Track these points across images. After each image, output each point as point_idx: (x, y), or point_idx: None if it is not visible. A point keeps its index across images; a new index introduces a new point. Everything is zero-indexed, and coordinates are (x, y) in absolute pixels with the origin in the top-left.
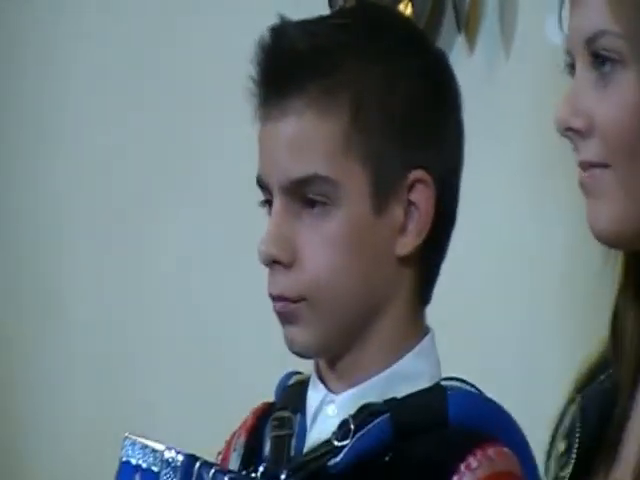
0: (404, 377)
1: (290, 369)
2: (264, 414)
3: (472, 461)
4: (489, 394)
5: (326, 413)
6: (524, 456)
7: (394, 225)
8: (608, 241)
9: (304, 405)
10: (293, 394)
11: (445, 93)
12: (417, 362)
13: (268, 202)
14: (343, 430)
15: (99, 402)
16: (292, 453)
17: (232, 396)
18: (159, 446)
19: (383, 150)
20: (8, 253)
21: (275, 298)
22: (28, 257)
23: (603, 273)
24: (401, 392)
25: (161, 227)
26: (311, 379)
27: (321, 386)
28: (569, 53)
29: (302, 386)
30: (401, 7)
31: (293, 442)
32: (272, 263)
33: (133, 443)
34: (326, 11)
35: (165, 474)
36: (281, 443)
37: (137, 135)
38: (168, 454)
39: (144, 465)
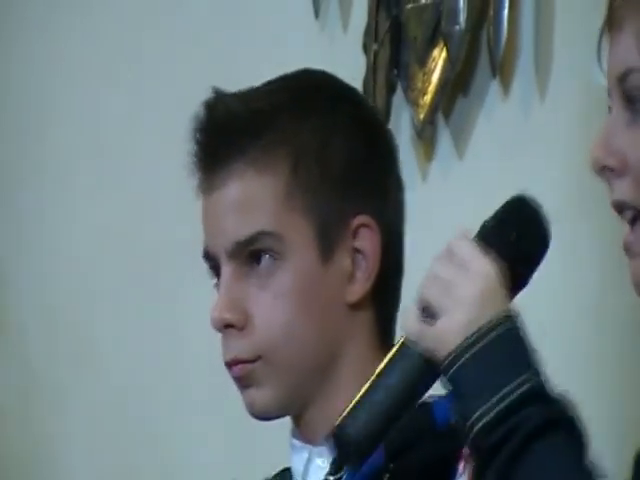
0: None
1: None
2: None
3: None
4: None
5: (316, 465)
6: None
7: (342, 273)
8: None
9: (291, 474)
10: (278, 477)
11: (380, 145)
12: None
13: (215, 272)
14: (335, 467)
15: (129, 450)
16: None
17: (266, 461)
18: None
19: (324, 201)
20: (44, 299)
21: (231, 363)
22: (63, 305)
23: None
24: None
25: (193, 284)
26: (290, 445)
27: (300, 444)
28: (608, 94)
29: (284, 472)
30: (436, 52)
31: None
32: (224, 328)
33: None
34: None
35: None
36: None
37: (167, 199)
38: None
39: None
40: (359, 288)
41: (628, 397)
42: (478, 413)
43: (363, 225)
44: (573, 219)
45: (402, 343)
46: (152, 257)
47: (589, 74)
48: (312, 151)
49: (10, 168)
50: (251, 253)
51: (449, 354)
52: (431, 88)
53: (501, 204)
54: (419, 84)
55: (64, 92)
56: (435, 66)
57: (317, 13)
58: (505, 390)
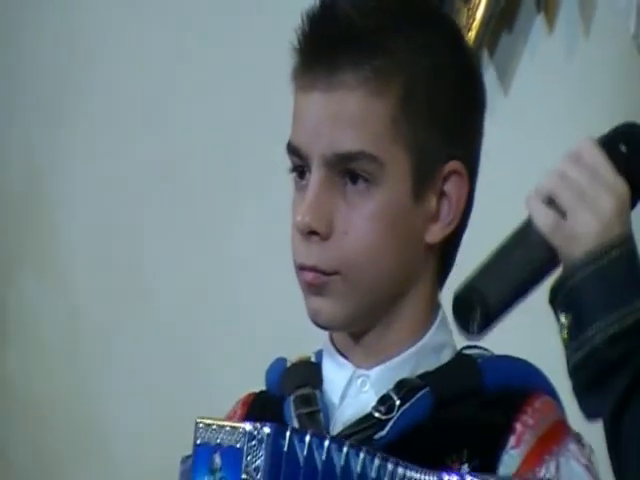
0: (431, 350)
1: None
2: (254, 403)
3: (526, 418)
4: None
5: (358, 389)
6: (558, 400)
7: (427, 213)
8: None
9: (321, 382)
10: (304, 373)
11: (479, 95)
12: (440, 335)
13: (299, 171)
14: (387, 405)
15: (177, 386)
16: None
17: None
18: (237, 424)
19: (426, 139)
20: (93, 236)
21: (307, 268)
22: (112, 240)
23: None
24: (430, 365)
25: (242, 222)
26: (326, 356)
27: (345, 362)
28: None
29: (310, 365)
30: None
31: (321, 418)
32: (308, 234)
33: (207, 425)
34: None
35: (250, 448)
36: (313, 419)
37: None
38: (250, 428)
39: (224, 443)
40: (439, 231)
41: None
42: (594, 326)
43: (455, 171)
44: None
45: (524, 228)
46: (201, 194)
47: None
48: (424, 86)
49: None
50: (348, 170)
51: (575, 262)
52: (475, 24)
53: (614, 127)
54: (464, 20)
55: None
56: (479, 2)
57: None
58: (630, 308)
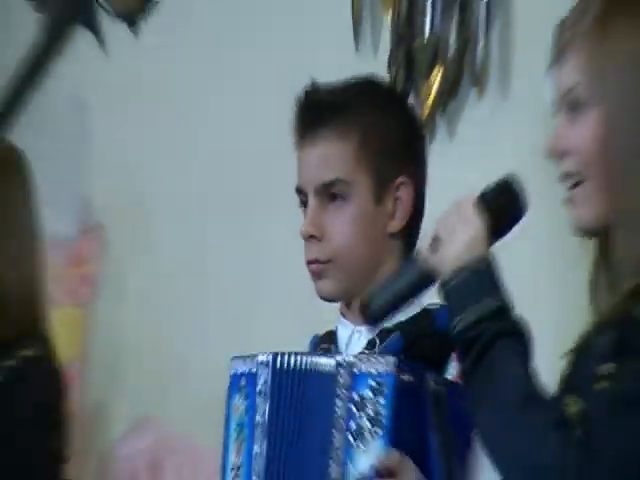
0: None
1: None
2: (314, 347)
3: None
4: None
5: (356, 339)
6: None
7: (387, 213)
8: (586, 229)
9: (336, 340)
10: (326, 337)
11: (416, 131)
12: None
13: (304, 203)
14: (371, 344)
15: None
16: None
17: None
18: (254, 355)
19: (380, 165)
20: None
21: (310, 262)
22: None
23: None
24: (403, 317)
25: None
26: (338, 322)
27: (347, 322)
28: (555, 105)
29: (330, 332)
30: (435, 71)
31: (349, 345)
32: (309, 238)
33: (238, 357)
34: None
35: (260, 372)
36: (327, 348)
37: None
38: (261, 357)
39: (246, 370)
40: (397, 224)
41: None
42: (459, 317)
43: (403, 182)
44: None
45: (415, 258)
46: (248, 194)
47: (540, 90)
48: (374, 130)
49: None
50: (330, 194)
51: (444, 276)
52: (432, 95)
53: (496, 180)
54: (424, 93)
55: None
56: (435, 80)
57: (357, 47)
58: (481, 304)
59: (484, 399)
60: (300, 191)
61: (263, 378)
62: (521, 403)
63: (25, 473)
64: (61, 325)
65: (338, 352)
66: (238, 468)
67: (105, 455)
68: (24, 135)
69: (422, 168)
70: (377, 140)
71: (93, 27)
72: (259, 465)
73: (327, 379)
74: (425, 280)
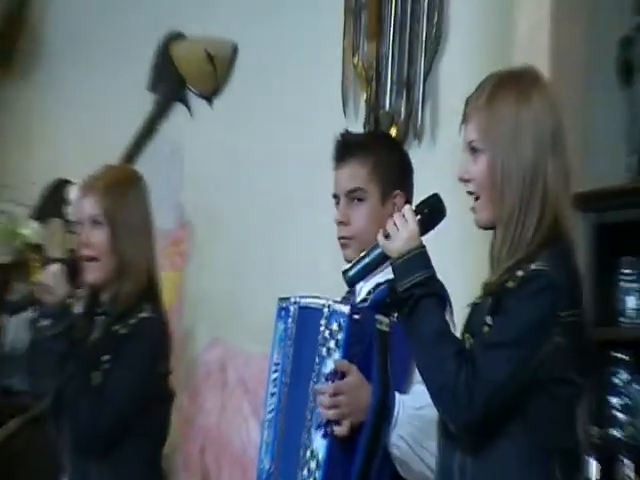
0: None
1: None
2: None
3: None
4: None
5: (362, 288)
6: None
7: (387, 212)
8: (481, 226)
9: (355, 288)
10: (349, 292)
11: (407, 160)
12: None
13: (337, 203)
14: (369, 292)
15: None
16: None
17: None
18: (287, 297)
19: (384, 182)
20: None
21: (340, 238)
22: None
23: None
24: (385, 277)
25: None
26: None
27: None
28: (464, 148)
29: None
30: (392, 130)
31: (355, 294)
32: (339, 224)
33: (281, 298)
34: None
35: (291, 307)
36: (348, 297)
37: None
38: (292, 299)
39: (284, 306)
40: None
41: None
42: (400, 284)
43: (398, 194)
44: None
45: (376, 245)
46: (297, 199)
47: (455, 141)
48: (381, 160)
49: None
50: (353, 197)
51: (393, 257)
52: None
53: (426, 195)
54: (394, 132)
55: None
56: (401, 126)
57: (345, 114)
58: (414, 276)
59: (413, 338)
60: (335, 196)
61: (293, 311)
62: (435, 341)
63: (147, 385)
64: (166, 282)
65: (334, 299)
66: (277, 364)
67: (192, 363)
68: (144, 165)
69: (410, 185)
70: (383, 166)
71: (185, 102)
72: (284, 359)
73: (318, 314)
74: (382, 259)
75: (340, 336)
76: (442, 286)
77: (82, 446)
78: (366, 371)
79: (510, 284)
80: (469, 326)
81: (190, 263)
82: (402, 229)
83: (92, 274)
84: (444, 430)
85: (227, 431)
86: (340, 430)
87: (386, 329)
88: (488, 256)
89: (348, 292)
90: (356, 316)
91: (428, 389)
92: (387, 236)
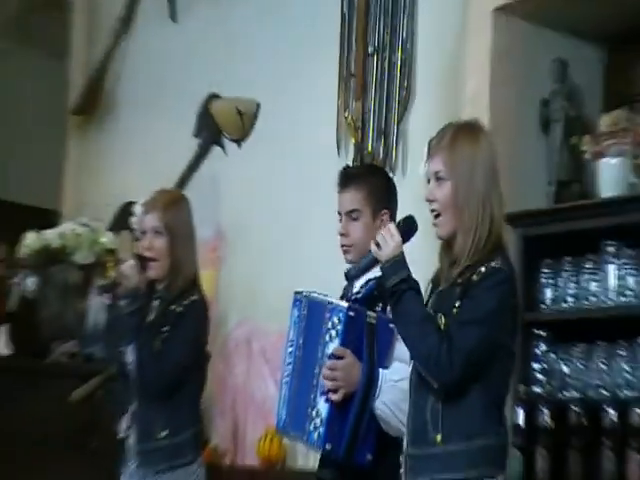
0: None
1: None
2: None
3: None
4: None
5: (357, 283)
6: None
7: (377, 227)
8: (443, 238)
9: (352, 282)
10: (348, 285)
11: (393, 185)
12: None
13: (340, 219)
14: (362, 286)
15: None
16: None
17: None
18: (300, 290)
19: (375, 204)
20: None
21: (342, 245)
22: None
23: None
24: (375, 274)
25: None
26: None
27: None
28: (428, 178)
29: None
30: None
31: (352, 288)
32: (341, 235)
33: (296, 292)
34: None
35: (304, 300)
36: (347, 289)
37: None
38: (305, 293)
39: (298, 297)
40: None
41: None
42: (388, 281)
43: (385, 213)
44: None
45: (370, 252)
46: (302, 209)
47: (420, 172)
48: (373, 188)
49: None
50: (351, 216)
51: (382, 262)
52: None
53: (402, 214)
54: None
55: None
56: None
57: (338, 154)
58: (399, 275)
59: (401, 321)
60: (339, 213)
61: (304, 303)
62: (419, 322)
63: (194, 349)
64: (206, 278)
65: (337, 299)
66: (292, 341)
67: (224, 338)
68: (190, 190)
69: (395, 202)
70: (374, 192)
71: (221, 144)
72: (297, 337)
73: (323, 308)
74: (375, 262)
75: (339, 327)
76: (417, 281)
77: (147, 392)
78: (358, 354)
79: (475, 277)
80: (440, 308)
81: (224, 264)
82: (389, 240)
83: (153, 271)
84: (417, 382)
85: (251, 389)
86: (335, 397)
87: (374, 322)
88: (438, 257)
89: (346, 285)
90: (351, 313)
91: (415, 359)
92: (378, 245)
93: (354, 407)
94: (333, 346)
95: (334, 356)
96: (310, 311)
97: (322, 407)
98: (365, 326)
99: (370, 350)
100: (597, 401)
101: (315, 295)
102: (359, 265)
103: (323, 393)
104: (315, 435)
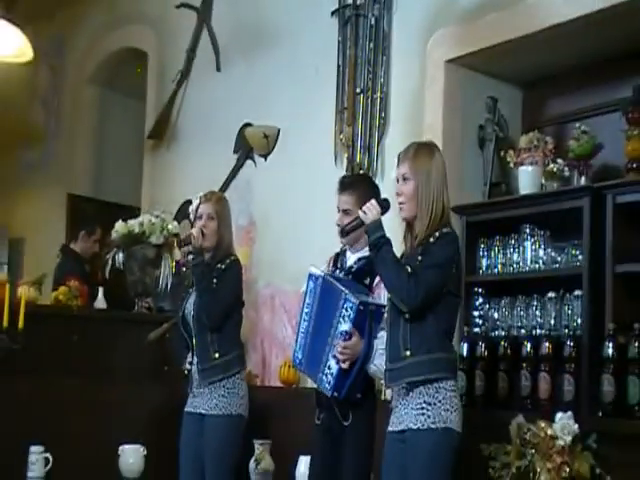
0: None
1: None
2: (336, 255)
3: None
4: None
5: (350, 257)
6: None
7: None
8: (406, 218)
9: (344, 256)
10: (340, 253)
11: (377, 190)
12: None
13: (338, 212)
14: (355, 262)
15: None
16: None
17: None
18: (318, 269)
19: (363, 204)
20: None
21: (339, 226)
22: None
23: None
24: (364, 254)
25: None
26: (347, 249)
27: (348, 250)
28: (397, 178)
29: (342, 252)
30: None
31: (345, 261)
32: (338, 225)
33: (312, 267)
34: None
35: (319, 276)
36: (338, 260)
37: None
38: (321, 270)
39: (313, 272)
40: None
41: None
42: (371, 238)
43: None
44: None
45: (358, 217)
46: (310, 199)
47: (391, 177)
48: (363, 193)
49: None
50: (345, 212)
51: (366, 226)
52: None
53: (383, 198)
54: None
55: None
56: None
57: (335, 164)
58: (378, 233)
59: (381, 265)
60: (338, 209)
61: (319, 278)
62: (393, 265)
63: (235, 293)
64: (242, 253)
65: (350, 289)
66: (308, 304)
67: (255, 295)
68: (231, 191)
69: (380, 196)
70: (364, 195)
71: (252, 158)
72: (312, 303)
73: (339, 294)
74: (360, 224)
75: (351, 314)
76: (389, 239)
77: (206, 326)
78: (362, 333)
79: (432, 239)
80: (408, 262)
81: (255, 243)
82: (372, 209)
83: (207, 241)
84: (393, 317)
85: (275, 331)
86: (344, 365)
87: (373, 309)
88: (403, 239)
89: (340, 251)
90: (361, 307)
91: (390, 291)
92: (364, 212)
93: (355, 369)
94: (345, 326)
95: (346, 333)
96: (324, 288)
97: (333, 365)
98: (368, 314)
99: (369, 330)
100: (518, 337)
101: (329, 277)
102: (350, 224)
103: (335, 357)
104: (326, 383)
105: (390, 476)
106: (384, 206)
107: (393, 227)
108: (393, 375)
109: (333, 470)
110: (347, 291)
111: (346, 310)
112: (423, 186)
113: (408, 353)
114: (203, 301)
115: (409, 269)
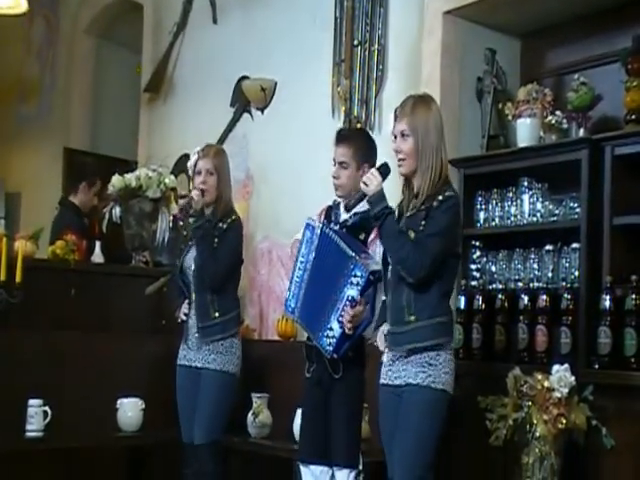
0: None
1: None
2: (327, 210)
3: None
4: None
5: (342, 210)
6: None
7: (359, 175)
8: (405, 174)
9: (338, 208)
10: (333, 205)
11: (374, 144)
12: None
13: (334, 165)
14: (351, 217)
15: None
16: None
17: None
18: (311, 218)
19: (360, 158)
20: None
21: (335, 185)
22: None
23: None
24: (364, 208)
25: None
26: (340, 200)
27: (341, 203)
28: (395, 135)
29: (336, 204)
30: (358, 125)
31: (339, 215)
32: (334, 178)
33: (309, 218)
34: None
35: (317, 226)
36: (331, 213)
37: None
38: (319, 223)
39: (311, 222)
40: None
41: None
42: (374, 209)
43: (367, 165)
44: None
45: (361, 190)
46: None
47: (389, 130)
48: (359, 145)
49: None
50: (341, 164)
51: (369, 196)
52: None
53: (381, 162)
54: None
55: None
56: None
57: (332, 116)
58: (382, 204)
59: (385, 236)
60: (334, 161)
61: (316, 229)
62: (397, 236)
63: (236, 253)
64: (240, 207)
65: (357, 252)
66: (303, 256)
67: (253, 249)
68: (228, 144)
69: (374, 156)
70: (360, 148)
71: (249, 112)
72: (307, 255)
73: (347, 259)
74: (363, 196)
75: (361, 281)
76: (393, 209)
77: (206, 285)
78: (367, 300)
79: (435, 203)
80: (410, 226)
81: (252, 197)
82: (374, 180)
83: (207, 197)
84: (395, 281)
85: (272, 284)
86: (348, 330)
87: (378, 277)
88: (401, 191)
89: (332, 204)
90: (371, 277)
91: (396, 262)
92: (365, 184)
93: (357, 334)
94: (353, 292)
95: (353, 299)
96: (324, 242)
97: (336, 328)
98: (373, 283)
99: (373, 299)
100: (515, 290)
101: (331, 233)
102: (354, 199)
103: (339, 320)
104: (327, 345)
105: (387, 427)
106: (384, 172)
107: (390, 187)
108: (396, 339)
109: (324, 422)
110: (357, 257)
111: (355, 277)
112: (422, 142)
113: (412, 318)
114: (205, 263)
115: (412, 236)
